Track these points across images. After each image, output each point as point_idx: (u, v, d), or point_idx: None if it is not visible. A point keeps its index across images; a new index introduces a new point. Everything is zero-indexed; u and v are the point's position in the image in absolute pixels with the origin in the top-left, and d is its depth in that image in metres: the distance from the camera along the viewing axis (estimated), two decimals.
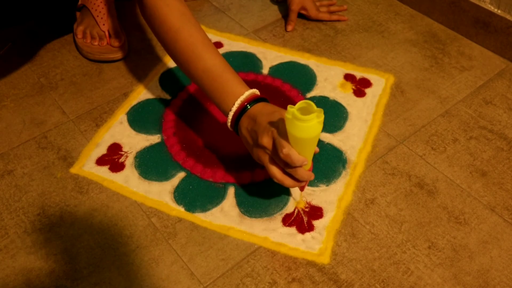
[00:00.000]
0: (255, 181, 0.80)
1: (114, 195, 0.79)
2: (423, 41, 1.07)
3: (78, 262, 0.71)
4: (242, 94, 0.71)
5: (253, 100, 0.71)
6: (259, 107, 0.70)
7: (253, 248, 0.72)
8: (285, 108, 0.64)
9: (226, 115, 0.73)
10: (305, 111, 0.61)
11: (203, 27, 1.11)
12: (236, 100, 0.70)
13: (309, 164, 0.68)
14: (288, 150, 0.63)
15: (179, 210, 0.77)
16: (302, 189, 0.75)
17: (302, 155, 0.64)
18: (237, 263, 0.71)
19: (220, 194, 0.79)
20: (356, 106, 0.93)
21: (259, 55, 1.03)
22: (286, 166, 0.66)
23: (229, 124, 0.73)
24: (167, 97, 0.95)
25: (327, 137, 0.87)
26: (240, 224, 0.75)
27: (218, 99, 0.73)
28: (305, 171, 0.67)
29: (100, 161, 0.84)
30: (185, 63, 0.75)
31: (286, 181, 0.68)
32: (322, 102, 0.93)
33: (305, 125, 0.60)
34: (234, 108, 0.71)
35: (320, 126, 0.62)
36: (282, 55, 1.04)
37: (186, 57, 0.74)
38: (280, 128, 0.65)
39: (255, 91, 0.73)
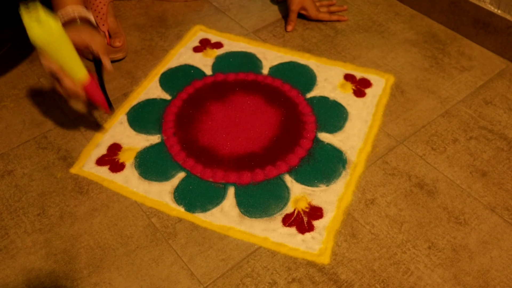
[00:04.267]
0: (255, 181, 0.80)
1: (114, 195, 0.79)
2: (423, 41, 1.07)
3: (78, 262, 0.71)
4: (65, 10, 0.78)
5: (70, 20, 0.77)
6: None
7: (253, 248, 0.72)
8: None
9: None
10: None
11: (203, 27, 1.11)
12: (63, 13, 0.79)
13: (76, 74, 0.73)
14: (41, 58, 0.71)
15: (179, 210, 0.77)
16: (103, 107, 0.80)
17: (57, 62, 0.70)
18: (237, 263, 0.71)
19: (220, 194, 0.79)
20: (356, 106, 0.92)
21: (259, 55, 1.03)
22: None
23: None
24: (167, 97, 0.95)
25: (327, 137, 0.87)
26: (240, 224, 0.75)
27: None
28: (69, 81, 0.73)
29: (100, 161, 0.84)
30: None
31: (58, 87, 0.75)
32: (322, 102, 0.93)
33: (28, 27, 0.63)
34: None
35: (41, 31, 0.64)
36: (282, 55, 1.03)
37: None
38: None
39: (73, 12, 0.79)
